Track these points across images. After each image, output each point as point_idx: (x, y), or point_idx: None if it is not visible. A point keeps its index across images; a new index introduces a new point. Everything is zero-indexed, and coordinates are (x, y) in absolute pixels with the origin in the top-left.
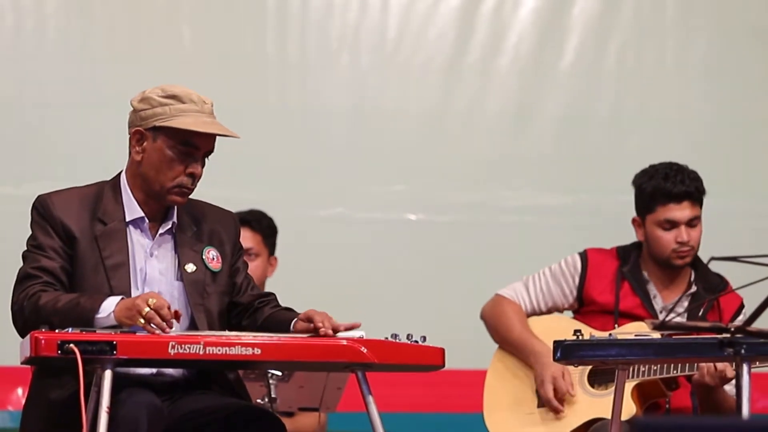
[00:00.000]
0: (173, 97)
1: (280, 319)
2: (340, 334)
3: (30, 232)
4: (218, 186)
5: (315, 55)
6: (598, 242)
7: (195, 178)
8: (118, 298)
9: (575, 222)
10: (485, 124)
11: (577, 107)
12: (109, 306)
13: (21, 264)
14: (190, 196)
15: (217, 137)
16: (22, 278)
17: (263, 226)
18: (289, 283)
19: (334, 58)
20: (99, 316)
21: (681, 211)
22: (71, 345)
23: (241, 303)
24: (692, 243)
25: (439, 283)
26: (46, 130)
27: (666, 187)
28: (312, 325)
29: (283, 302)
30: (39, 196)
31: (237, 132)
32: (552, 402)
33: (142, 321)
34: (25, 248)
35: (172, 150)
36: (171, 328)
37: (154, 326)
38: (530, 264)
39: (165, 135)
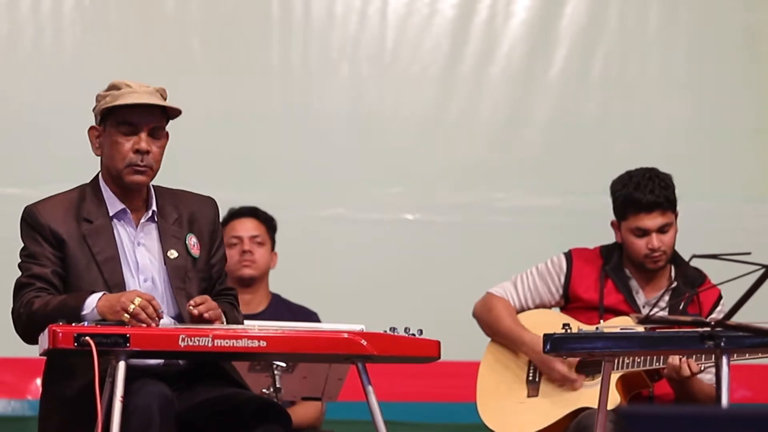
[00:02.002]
0: (112, 87)
1: None
2: (338, 327)
3: (22, 244)
4: (223, 188)
5: (317, 64)
6: (585, 241)
7: (143, 153)
8: (100, 293)
9: (563, 222)
10: (478, 129)
11: (565, 113)
12: (91, 302)
13: None
14: (170, 186)
15: (216, 138)
16: (18, 288)
17: (268, 218)
18: (291, 279)
19: (335, 67)
20: (84, 312)
21: (651, 220)
22: (87, 338)
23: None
24: (664, 248)
25: (434, 280)
26: (62, 135)
27: (636, 196)
28: (190, 309)
29: (286, 297)
30: (26, 207)
31: (243, 135)
32: (570, 376)
33: (127, 316)
34: (20, 260)
35: (116, 133)
36: (157, 324)
37: (140, 322)
38: (521, 262)
39: (108, 123)
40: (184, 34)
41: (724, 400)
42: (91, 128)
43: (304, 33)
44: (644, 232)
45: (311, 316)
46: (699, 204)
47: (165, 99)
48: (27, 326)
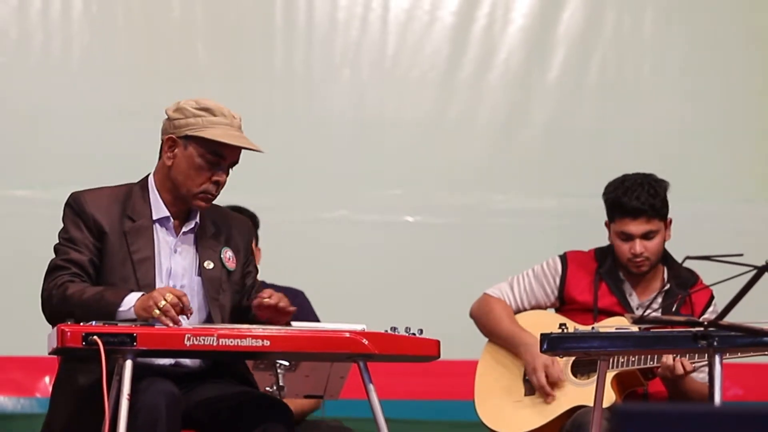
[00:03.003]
0: (206, 109)
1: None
2: (340, 327)
3: (62, 226)
4: (228, 190)
5: (319, 70)
6: (581, 243)
7: (219, 185)
8: (140, 293)
9: (560, 224)
10: (477, 133)
11: (562, 117)
12: (130, 300)
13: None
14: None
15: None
16: (52, 269)
17: (251, 216)
18: (295, 279)
19: (337, 72)
20: (121, 309)
21: (636, 226)
22: (95, 337)
23: (244, 304)
24: (647, 254)
25: (434, 280)
26: (72, 138)
27: (622, 201)
28: (264, 300)
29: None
30: (73, 193)
31: (250, 140)
32: (545, 388)
33: (158, 313)
34: (57, 241)
35: (201, 158)
36: (181, 322)
37: (168, 319)
38: (518, 263)
39: (195, 144)
40: (189, 39)
41: (717, 398)
42: (169, 138)
43: (307, 39)
44: (629, 237)
45: (297, 295)
46: (693, 206)
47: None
48: (57, 309)
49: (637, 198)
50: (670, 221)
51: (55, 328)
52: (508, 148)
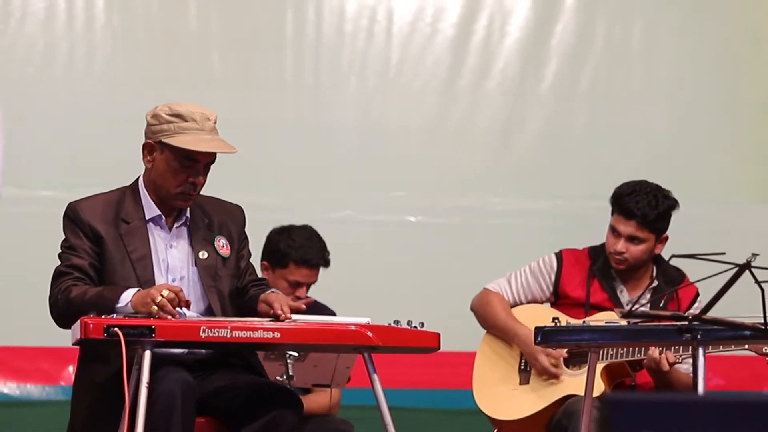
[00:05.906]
0: (177, 115)
1: (255, 299)
2: (346, 320)
3: (63, 236)
4: (243, 191)
5: (327, 78)
6: (573, 242)
7: (197, 186)
8: (135, 289)
9: (554, 224)
10: (475, 139)
11: (556, 124)
12: (126, 297)
13: None
14: (201, 193)
15: (234, 146)
16: (57, 275)
17: (327, 261)
18: None
19: (344, 81)
20: (119, 305)
21: (624, 226)
22: (116, 329)
23: (238, 286)
24: (627, 255)
25: (435, 277)
26: (94, 142)
27: (623, 200)
28: (271, 310)
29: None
30: (69, 204)
31: (259, 143)
32: (550, 369)
33: (155, 308)
34: (60, 250)
35: (176, 162)
36: (184, 310)
37: (166, 313)
38: (514, 261)
39: (169, 149)
40: (205, 50)
41: (701, 388)
42: (147, 142)
43: (315, 50)
44: (617, 233)
45: (323, 310)
46: (680, 208)
47: (216, 123)
48: (63, 312)
49: (636, 202)
50: (665, 238)
51: (79, 321)
52: (505, 153)
